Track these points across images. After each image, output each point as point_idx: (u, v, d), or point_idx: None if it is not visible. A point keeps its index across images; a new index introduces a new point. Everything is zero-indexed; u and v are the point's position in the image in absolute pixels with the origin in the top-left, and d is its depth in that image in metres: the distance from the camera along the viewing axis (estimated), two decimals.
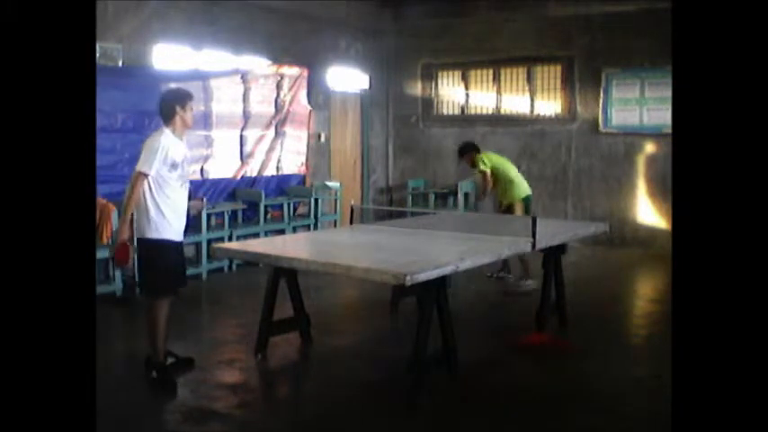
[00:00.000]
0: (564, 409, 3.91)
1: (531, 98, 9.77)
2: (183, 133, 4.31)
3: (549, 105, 9.65)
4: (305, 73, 8.96)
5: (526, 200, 6.95)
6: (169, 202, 4.16)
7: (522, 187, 6.97)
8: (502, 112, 10.03)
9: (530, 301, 5.71)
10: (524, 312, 5.48)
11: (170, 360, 4.41)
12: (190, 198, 4.42)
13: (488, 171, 6.87)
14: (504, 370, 4.55)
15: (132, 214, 4.20)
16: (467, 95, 10.33)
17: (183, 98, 4.27)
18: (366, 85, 10.27)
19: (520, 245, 4.59)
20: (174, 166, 4.15)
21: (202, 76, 7.69)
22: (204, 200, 5.32)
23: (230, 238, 7.22)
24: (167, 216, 4.17)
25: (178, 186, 4.21)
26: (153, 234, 4.16)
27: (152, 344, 4.26)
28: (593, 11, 8.93)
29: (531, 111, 9.78)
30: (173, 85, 5.01)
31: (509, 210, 6.94)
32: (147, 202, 4.14)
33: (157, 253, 4.20)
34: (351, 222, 5.76)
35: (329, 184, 9.30)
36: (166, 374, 4.25)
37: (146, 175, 4.08)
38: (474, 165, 7.05)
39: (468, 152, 7.12)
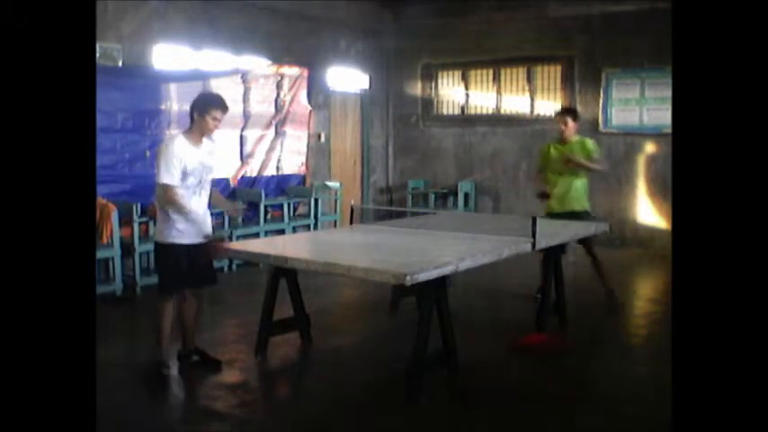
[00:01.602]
0: (564, 409, 3.91)
1: (531, 98, 9.77)
2: (199, 140, 4.24)
3: (549, 105, 9.65)
4: (305, 73, 8.97)
5: None
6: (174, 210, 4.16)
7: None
8: (502, 112, 10.03)
9: (530, 301, 5.70)
10: (524, 312, 5.48)
11: (195, 358, 4.46)
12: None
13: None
14: (504, 370, 4.55)
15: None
16: (467, 95, 10.33)
17: (202, 105, 4.20)
18: (366, 85, 10.27)
19: (520, 245, 4.58)
20: (184, 174, 4.12)
21: (202, 76, 7.69)
22: (238, 204, 5.11)
23: (230, 238, 7.22)
24: (176, 222, 4.17)
25: (190, 194, 4.18)
26: (161, 238, 4.24)
27: (157, 341, 4.31)
28: (594, 11, 8.93)
29: (531, 111, 9.78)
30: (205, 91, 4.77)
31: (586, 216, 6.10)
32: (160, 208, 4.22)
33: (163, 255, 4.29)
34: (351, 222, 5.76)
35: (329, 184, 9.30)
36: (165, 371, 4.30)
37: (171, 186, 4.07)
38: (565, 137, 6.04)
39: (575, 118, 6.12)
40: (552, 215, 6.04)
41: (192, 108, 4.20)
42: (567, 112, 6.22)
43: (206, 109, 4.17)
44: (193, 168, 4.16)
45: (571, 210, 6.00)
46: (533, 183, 6.36)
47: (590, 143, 6.10)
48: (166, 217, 4.18)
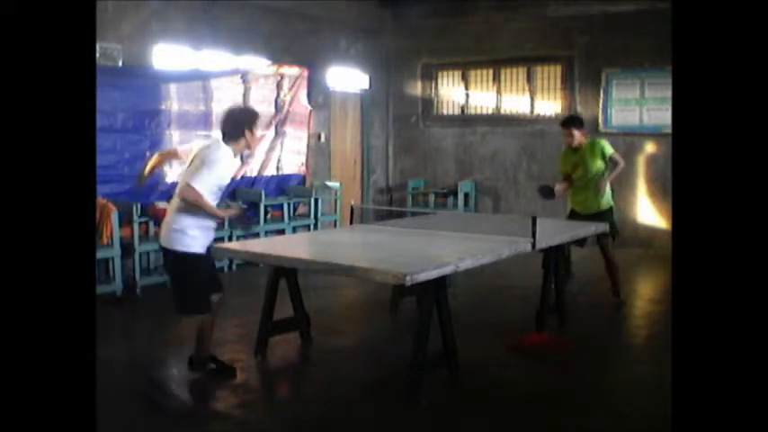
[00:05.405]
0: (564, 409, 3.91)
1: (531, 98, 9.77)
2: (239, 153, 4.20)
3: (549, 105, 9.65)
4: (305, 73, 8.97)
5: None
6: (199, 216, 3.91)
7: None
8: (502, 112, 10.03)
9: (530, 301, 5.70)
10: (524, 312, 5.48)
11: (211, 366, 4.37)
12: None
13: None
14: (504, 370, 4.55)
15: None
16: (467, 95, 10.33)
17: (252, 119, 4.06)
18: (366, 85, 10.27)
19: (520, 245, 4.58)
20: (219, 188, 3.95)
21: (202, 76, 7.69)
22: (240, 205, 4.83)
23: (230, 238, 7.22)
24: (196, 230, 3.94)
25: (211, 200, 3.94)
26: (179, 247, 3.94)
27: (197, 345, 4.27)
28: (593, 11, 8.93)
29: (531, 111, 9.79)
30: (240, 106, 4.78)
31: (610, 213, 6.07)
32: (177, 212, 3.94)
33: (187, 267, 3.98)
34: (351, 222, 5.75)
35: (329, 184, 9.30)
36: (210, 365, 4.34)
37: (200, 193, 3.80)
38: (574, 145, 5.96)
39: (580, 126, 6.01)
40: (576, 215, 6.17)
41: (243, 125, 3.99)
42: (571, 122, 6.05)
43: (254, 124, 4.06)
44: (227, 184, 4.05)
45: (596, 211, 6.03)
46: (561, 191, 6.21)
47: (601, 144, 6.06)
48: (188, 223, 3.92)
